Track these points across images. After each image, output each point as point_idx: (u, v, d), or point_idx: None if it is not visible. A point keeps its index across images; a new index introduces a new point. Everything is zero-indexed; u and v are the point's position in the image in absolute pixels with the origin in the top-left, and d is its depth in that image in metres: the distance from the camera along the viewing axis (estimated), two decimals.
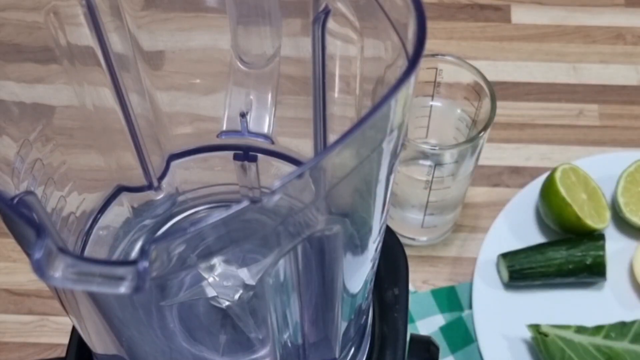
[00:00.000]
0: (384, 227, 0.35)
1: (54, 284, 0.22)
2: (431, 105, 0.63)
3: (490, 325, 0.64)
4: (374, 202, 0.31)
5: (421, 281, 0.68)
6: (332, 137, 0.40)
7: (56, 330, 0.66)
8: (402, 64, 0.28)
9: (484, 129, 0.57)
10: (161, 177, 0.44)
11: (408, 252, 0.46)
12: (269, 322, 0.34)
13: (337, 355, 0.38)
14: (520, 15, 0.84)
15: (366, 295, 0.39)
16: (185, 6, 0.39)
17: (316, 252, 0.31)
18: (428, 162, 0.60)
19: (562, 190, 0.65)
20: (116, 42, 0.38)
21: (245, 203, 0.22)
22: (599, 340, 0.60)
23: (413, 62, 0.25)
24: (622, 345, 0.60)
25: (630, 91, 0.79)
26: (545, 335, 0.60)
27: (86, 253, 0.41)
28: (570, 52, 0.81)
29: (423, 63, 0.54)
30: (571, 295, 0.66)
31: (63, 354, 0.42)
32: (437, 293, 0.67)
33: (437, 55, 0.60)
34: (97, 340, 0.34)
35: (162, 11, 0.39)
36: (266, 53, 0.40)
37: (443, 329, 0.65)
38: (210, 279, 0.39)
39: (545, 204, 0.67)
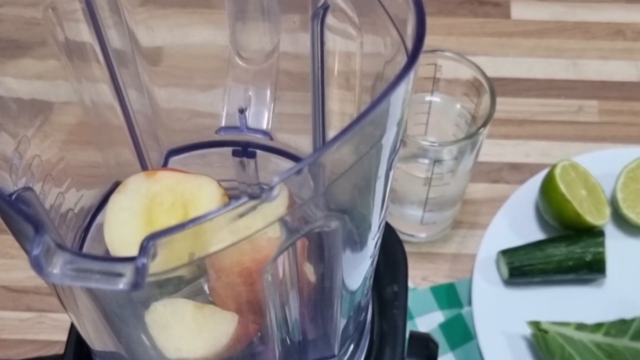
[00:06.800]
0: (383, 223, 0.35)
1: (53, 280, 0.22)
2: (430, 102, 0.63)
3: (489, 322, 0.64)
4: (373, 198, 0.31)
5: (420, 278, 0.68)
6: (331, 133, 0.40)
7: (54, 327, 0.66)
8: (401, 59, 0.28)
9: (484, 125, 0.57)
10: None
11: (407, 248, 0.46)
12: (267, 319, 0.34)
13: (336, 352, 0.38)
14: (520, 10, 0.84)
15: (365, 292, 0.39)
16: (184, 2, 0.39)
17: (315, 248, 0.31)
18: (427, 159, 0.60)
19: (562, 187, 0.65)
20: (114, 38, 0.38)
21: (244, 199, 0.22)
22: (599, 337, 0.60)
23: (412, 58, 0.25)
24: (622, 342, 0.60)
25: (629, 87, 0.79)
26: (545, 332, 0.60)
27: (84, 249, 0.41)
28: (570, 48, 0.81)
29: (422, 59, 0.54)
30: (571, 292, 0.66)
31: (61, 351, 0.42)
32: (436, 290, 0.67)
33: (436, 51, 0.59)
34: (96, 337, 0.34)
35: (161, 7, 0.39)
36: (265, 49, 0.40)
37: (442, 326, 0.65)
38: None
39: (544, 200, 0.67)
